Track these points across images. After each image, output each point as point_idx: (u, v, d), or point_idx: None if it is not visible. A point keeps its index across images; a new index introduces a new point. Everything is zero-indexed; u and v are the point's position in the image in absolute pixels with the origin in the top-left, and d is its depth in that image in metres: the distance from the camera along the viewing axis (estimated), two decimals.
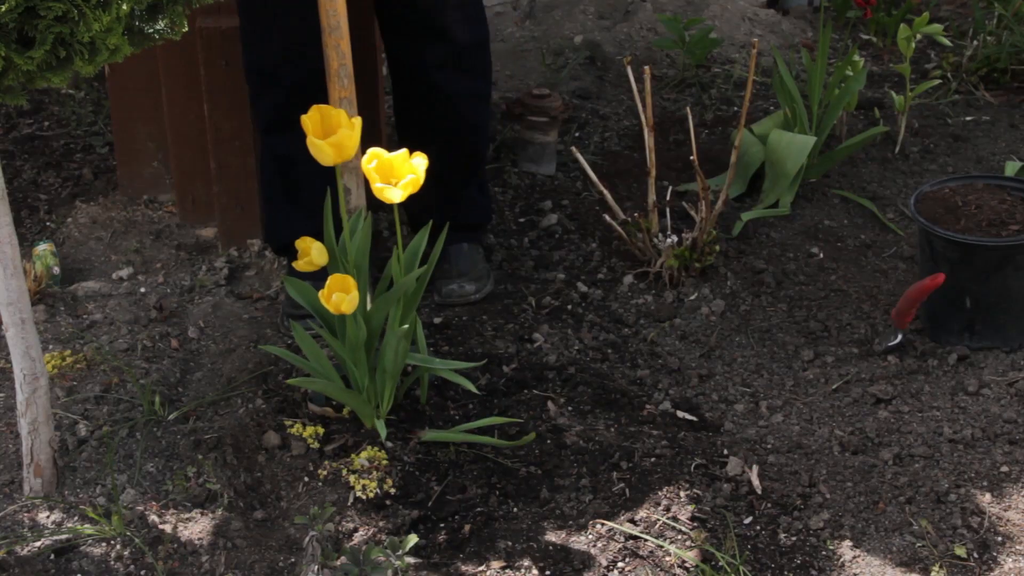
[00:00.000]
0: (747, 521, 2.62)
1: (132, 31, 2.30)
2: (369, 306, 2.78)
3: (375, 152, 2.59)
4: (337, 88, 2.77)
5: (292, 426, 2.82)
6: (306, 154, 3.10)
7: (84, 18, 2.17)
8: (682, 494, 2.68)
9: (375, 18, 3.26)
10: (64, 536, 2.60)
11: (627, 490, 2.69)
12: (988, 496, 2.64)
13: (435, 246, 2.84)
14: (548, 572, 2.50)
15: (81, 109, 4.25)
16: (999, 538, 2.54)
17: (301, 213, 3.18)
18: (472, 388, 2.83)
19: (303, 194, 3.18)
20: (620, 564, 2.51)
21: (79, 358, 3.12)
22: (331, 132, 2.60)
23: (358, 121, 2.61)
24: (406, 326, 2.70)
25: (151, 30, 2.32)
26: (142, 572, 2.54)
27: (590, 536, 2.58)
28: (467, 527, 2.62)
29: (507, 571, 2.51)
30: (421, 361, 2.82)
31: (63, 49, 2.20)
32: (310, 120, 2.59)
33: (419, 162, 2.58)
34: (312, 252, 2.73)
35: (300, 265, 2.74)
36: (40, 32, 2.17)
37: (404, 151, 2.59)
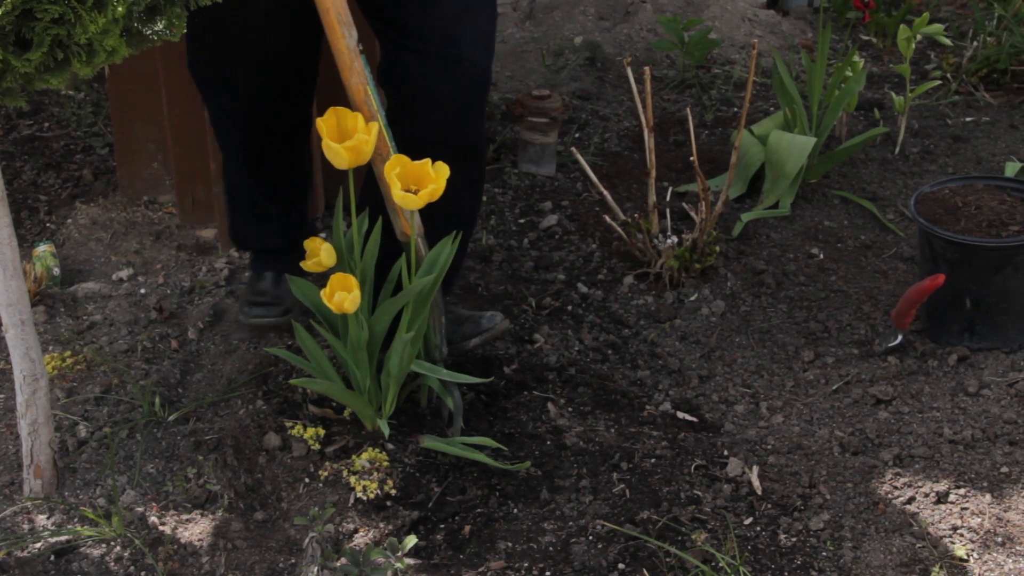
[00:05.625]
0: (747, 522, 2.62)
1: (130, 32, 2.29)
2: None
3: (399, 158, 2.58)
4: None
5: (293, 427, 2.82)
6: (276, 187, 3.06)
7: (80, 20, 2.16)
8: (682, 495, 2.68)
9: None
10: (64, 537, 2.60)
11: (627, 491, 2.69)
12: (988, 497, 2.64)
13: (447, 253, 2.83)
14: (548, 573, 2.50)
15: (81, 110, 4.25)
16: (999, 539, 2.54)
17: (272, 229, 3.13)
18: (452, 405, 2.81)
19: (275, 221, 3.13)
20: (620, 565, 2.51)
21: (79, 359, 3.12)
22: (346, 136, 2.56)
23: (375, 126, 2.59)
24: (414, 332, 2.69)
25: (149, 31, 2.31)
26: (142, 573, 2.53)
27: (590, 537, 2.57)
28: (467, 528, 2.62)
29: (507, 572, 2.51)
30: (428, 371, 2.78)
31: (60, 51, 2.19)
32: (326, 123, 2.56)
33: (442, 171, 2.57)
34: (321, 253, 2.68)
35: (308, 266, 2.71)
36: (37, 34, 2.17)
37: (427, 160, 2.58)
